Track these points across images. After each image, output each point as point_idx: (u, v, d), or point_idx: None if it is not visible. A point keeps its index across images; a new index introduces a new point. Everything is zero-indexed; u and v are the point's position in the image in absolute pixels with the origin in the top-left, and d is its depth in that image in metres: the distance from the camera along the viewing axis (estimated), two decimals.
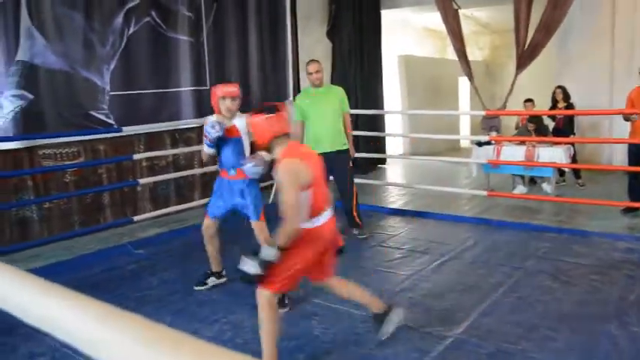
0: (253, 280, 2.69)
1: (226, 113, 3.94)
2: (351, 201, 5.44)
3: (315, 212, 2.82)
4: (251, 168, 3.52)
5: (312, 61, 5.37)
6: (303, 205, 2.73)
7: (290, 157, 2.77)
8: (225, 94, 3.92)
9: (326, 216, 2.90)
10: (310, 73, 5.28)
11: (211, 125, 3.80)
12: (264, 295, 2.74)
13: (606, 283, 4.06)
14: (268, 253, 2.64)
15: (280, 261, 2.67)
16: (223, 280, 4.29)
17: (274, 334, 2.80)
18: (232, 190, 4.01)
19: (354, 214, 5.48)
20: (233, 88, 3.99)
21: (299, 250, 2.74)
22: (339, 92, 5.47)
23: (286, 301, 3.72)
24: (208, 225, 4.12)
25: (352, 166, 5.51)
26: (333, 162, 5.15)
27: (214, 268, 4.26)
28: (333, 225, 2.97)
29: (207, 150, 3.96)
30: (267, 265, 2.63)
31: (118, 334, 0.63)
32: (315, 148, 5.15)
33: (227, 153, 3.97)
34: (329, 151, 5.19)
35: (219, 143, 3.93)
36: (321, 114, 5.28)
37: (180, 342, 0.60)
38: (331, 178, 5.27)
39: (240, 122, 3.95)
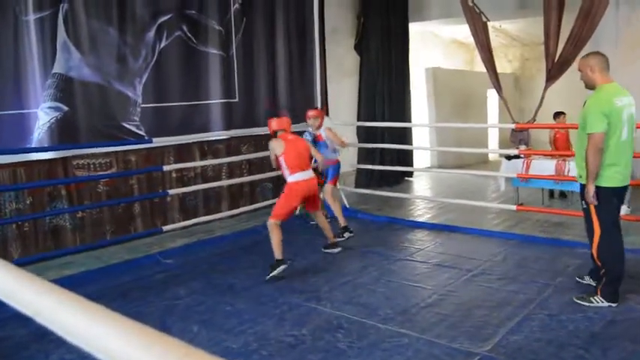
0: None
1: (312, 128, 6.05)
2: (591, 242, 4.11)
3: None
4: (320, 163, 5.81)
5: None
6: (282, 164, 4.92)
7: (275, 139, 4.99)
8: (306, 117, 6.13)
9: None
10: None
11: (305, 132, 6.15)
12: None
13: None
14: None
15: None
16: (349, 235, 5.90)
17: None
18: (326, 169, 6.07)
19: (594, 254, 4.09)
20: (310, 113, 6.08)
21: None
22: (589, 102, 3.88)
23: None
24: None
25: (595, 202, 3.88)
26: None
27: (342, 223, 5.89)
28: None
29: None
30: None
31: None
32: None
33: (321, 150, 5.85)
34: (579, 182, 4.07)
35: (317, 144, 5.95)
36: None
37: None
38: None
39: (323, 132, 5.99)
